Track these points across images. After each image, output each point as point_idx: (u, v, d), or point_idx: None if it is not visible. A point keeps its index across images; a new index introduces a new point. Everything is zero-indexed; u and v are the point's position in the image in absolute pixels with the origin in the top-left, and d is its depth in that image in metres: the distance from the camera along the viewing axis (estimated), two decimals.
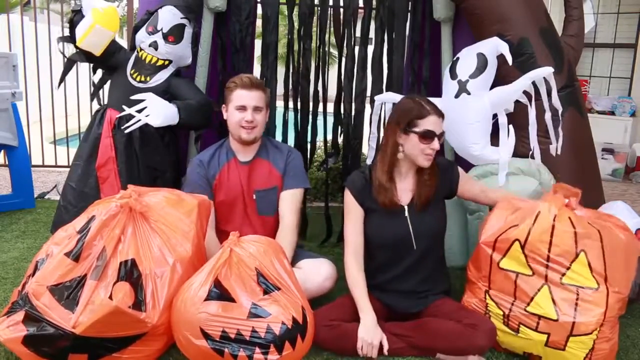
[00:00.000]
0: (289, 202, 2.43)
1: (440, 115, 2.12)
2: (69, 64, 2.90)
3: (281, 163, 2.46)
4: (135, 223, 1.92)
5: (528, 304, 1.94)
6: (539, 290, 1.93)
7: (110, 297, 1.75)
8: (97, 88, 3.01)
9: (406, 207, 2.14)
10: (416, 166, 2.15)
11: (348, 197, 2.17)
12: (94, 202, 2.66)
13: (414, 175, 2.17)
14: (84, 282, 1.81)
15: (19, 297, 1.87)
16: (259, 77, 3.11)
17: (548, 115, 2.47)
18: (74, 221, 2.03)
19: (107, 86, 2.97)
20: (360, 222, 2.16)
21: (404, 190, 2.16)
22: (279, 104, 3.16)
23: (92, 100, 3.13)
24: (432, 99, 2.18)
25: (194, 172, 2.43)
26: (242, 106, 2.35)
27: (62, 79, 2.94)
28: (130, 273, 1.82)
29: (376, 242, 2.16)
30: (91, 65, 2.96)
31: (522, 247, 1.96)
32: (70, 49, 2.92)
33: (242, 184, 2.42)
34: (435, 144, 2.09)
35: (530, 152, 2.52)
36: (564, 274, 1.91)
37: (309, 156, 3.38)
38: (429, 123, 2.08)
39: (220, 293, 1.80)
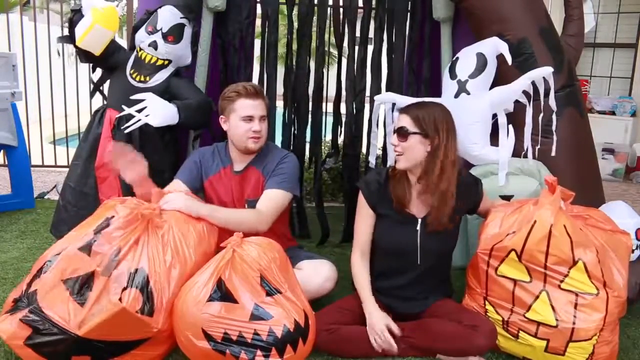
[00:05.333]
0: (265, 198, 2.27)
1: (401, 111, 2.04)
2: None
3: (270, 170, 2.34)
4: (149, 231, 1.89)
5: (527, 311, 1.93)
6: (537, 296, 1.92)
7: (120, 301, 1.72)
8: (96, 87, 3.01)
9: (419, 220, 2.06)
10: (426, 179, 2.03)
11: (360, 197, 2.12)
12: (93, 201, 2.68)
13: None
14: (94, 278, 1.76)
15: (23, 295, 1.84)
16: (258, 77, 3.12)
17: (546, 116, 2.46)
18: (88, 220, 1.99)
19: (106, 86, 2.97)
20: (370, 223, 2.11)
21: (422, 201, 2.06)
22: (279, 104, 3.15)
23: (91, 97, 3.12)
24: (431, 99, 2.16)
25: (193, 159, 2.42)
26: (249, 116, 2.27)
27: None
28: (140, 279, 1.78)
29: (381, 248, 2.12)
30: (91, 64, 2.95)
31: (519, 256, 1.94)
32: (69, 50, 2.92)
33: (234, 194, 2.37)
34: (394, 140, 2.01)
35: (523, 152, 2.52)
36: (562, 281, 1.91)
37: (308, 156, 3.38)
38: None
39: (222, 294, 1.79)
